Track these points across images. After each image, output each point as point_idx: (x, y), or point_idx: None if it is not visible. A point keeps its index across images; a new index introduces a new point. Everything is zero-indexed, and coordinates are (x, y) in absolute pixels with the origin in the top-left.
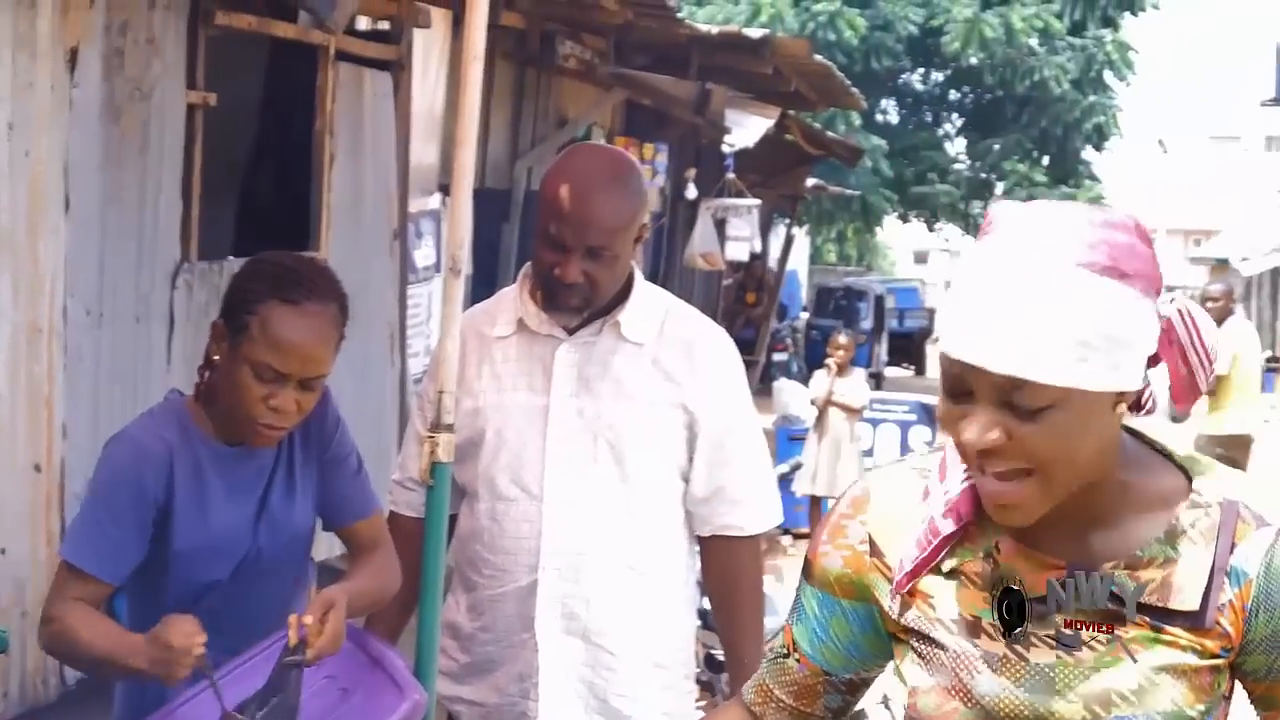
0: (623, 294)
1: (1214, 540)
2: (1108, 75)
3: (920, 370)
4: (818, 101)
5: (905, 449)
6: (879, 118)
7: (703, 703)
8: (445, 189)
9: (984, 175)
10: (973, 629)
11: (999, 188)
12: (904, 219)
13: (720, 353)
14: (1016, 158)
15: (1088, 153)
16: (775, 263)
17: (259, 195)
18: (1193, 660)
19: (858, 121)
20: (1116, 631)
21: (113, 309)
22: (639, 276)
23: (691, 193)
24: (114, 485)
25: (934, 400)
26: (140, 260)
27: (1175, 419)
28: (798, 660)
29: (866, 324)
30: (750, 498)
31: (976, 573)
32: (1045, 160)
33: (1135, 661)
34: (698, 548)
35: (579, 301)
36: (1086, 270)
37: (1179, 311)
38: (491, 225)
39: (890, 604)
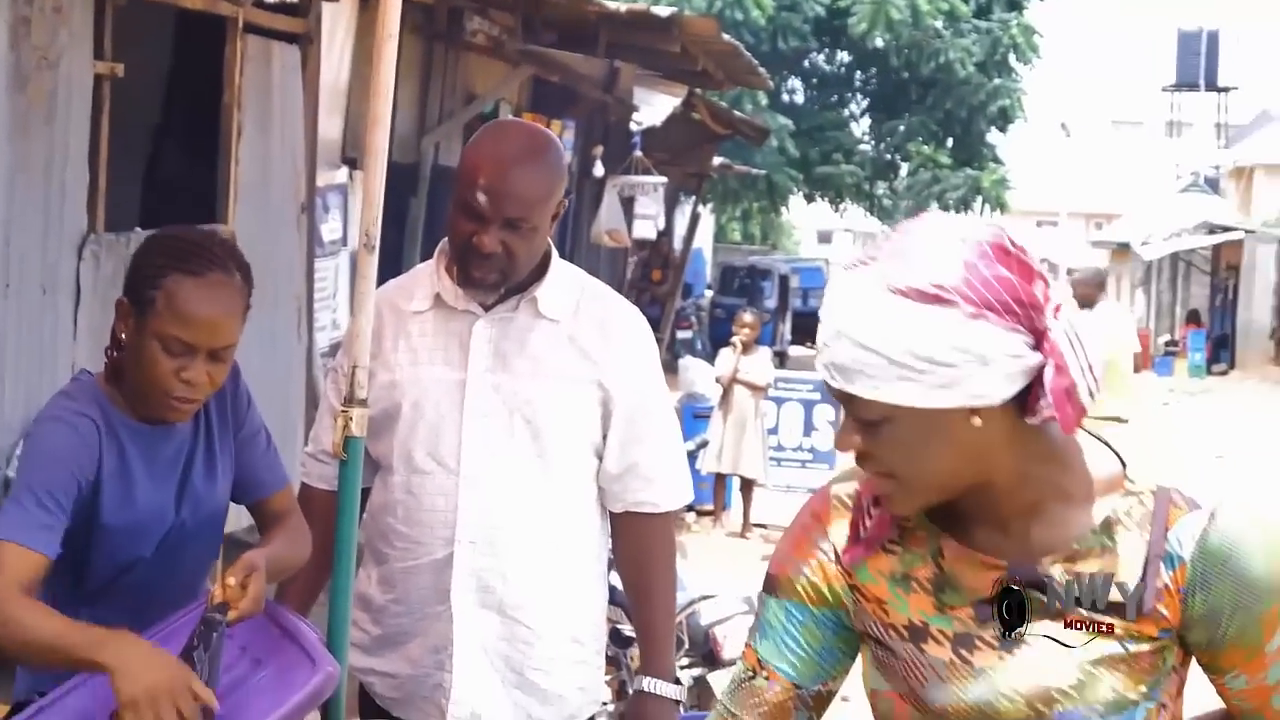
0: (539, 271)
1: (1149, 527)
2: (1012, 59)
3: None
4: (725, 81)
5: (809, 427)
6: (785, 97)
7: (608, 677)
8: (351, 163)
9: (889, 156)
10: (921, 635)
11: (903, 169)
12: (809, 199)
13: (635, 331)
14: (921, 139)
15: (992, 135)
16: (680, 241)
17: (166, 168)
18: (1131, 648)
19: (764, 101)
20: (1055, 629)
21: (19, 280)
22: (555, 254)
23: (599, 170)
24: (42, 464)
25: None
26: (47, 231)
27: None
28: (766, 678)
29: (771, 303)
30: (663, 475)
31: (926, 578)
32: (950, 142)
33: (1073, 657)
34: (609, 524)
35: (495, 275)
36: (899, 296)
37: (1063, 329)
38: (399, 200)
39: (849, 603)
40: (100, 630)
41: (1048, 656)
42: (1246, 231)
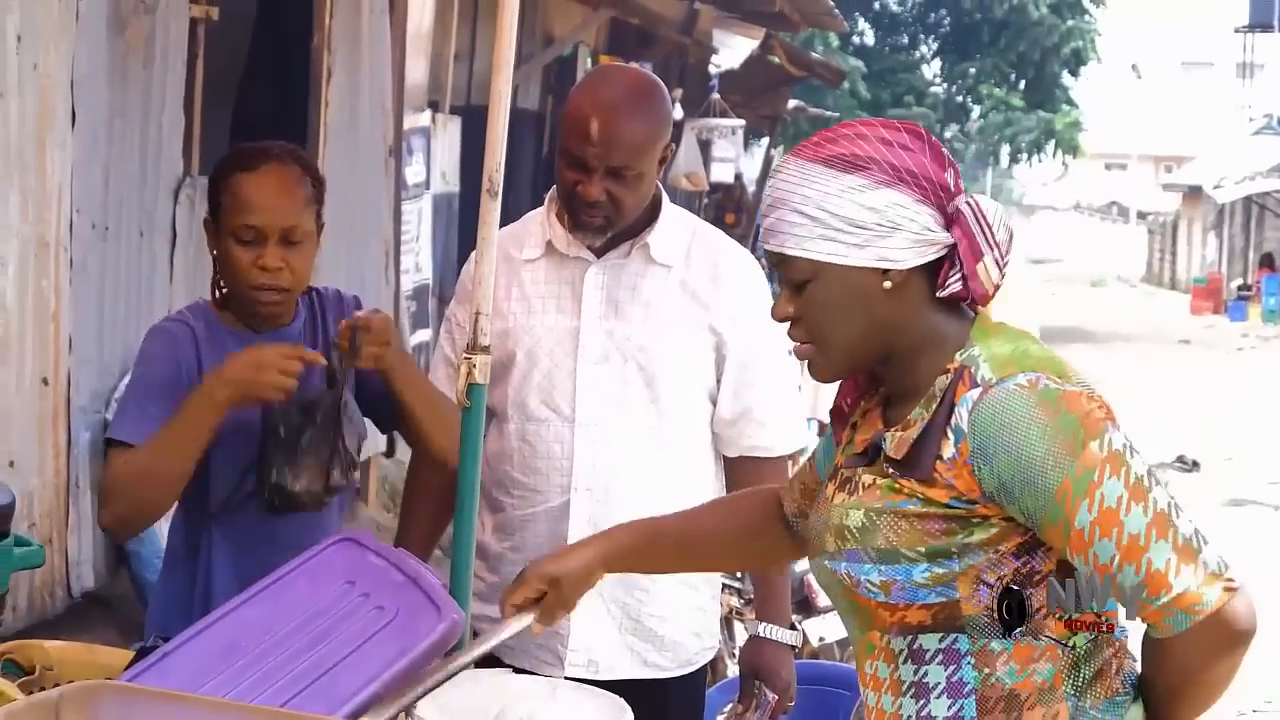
0: (650, 216)
1: (940, 400)
2: (1085, 0)
3: None
4: (800, 22)
5: None
6: (855, 39)
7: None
8: (434, 106)
9: (960, 98)
10: (832, 475)
11: (975, 111)
12: None
13: (747, 275)
14: (993, 81)
15: (1065, 78)
16: (754, 184)
17: (253, 111)
18: (912, 507)
19: (835, 43)
20: (874, 480)
21: (117, 223)
22: (666, 199)
23: (677, 113)
24: (149, 368)
25: None
26: (144, 175)
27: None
28: (809, 464)
29: None
30: (776, 419)
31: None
32: (1022, 84)
33: (863, 503)
34: (722, 469)
35: (601, 220)
36: (822, 164)
37: (969, 205)
38: (478, 144)
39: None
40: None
41: (853, 502)
42: None
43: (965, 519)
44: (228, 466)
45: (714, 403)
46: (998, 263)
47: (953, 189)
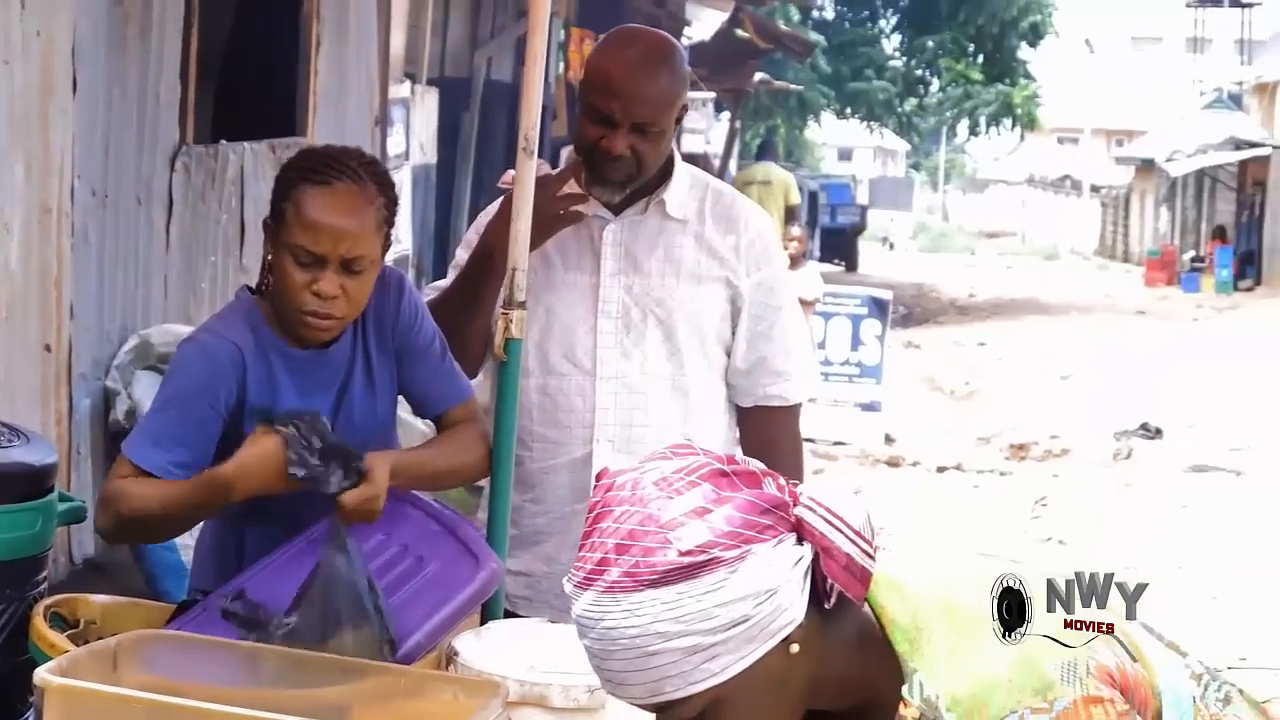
0: (664, 173)
1: None
2: None
3: (851, 266)
4: None
5: (856, 342)
6: (815, 13)
7: None
8: (412, 77)
9: (919, 72)
10: None
11: (934, 84)
12: (840, 115)
13: (761, 229)
14: (952, 55)
15: (1023, 51)
16: (719, 157)
17: (246, 80)
18: None
19: (796, 17)
20: None
21: (116, 191)
22: (679, 156)
23: None
24: (182, 390)
25: (885, 295)
26: (142, 143)
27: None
28: None
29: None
30: (791, 369)
31: None
32: (980, 58)
33: None
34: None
35: (623, 175)
36: (657, 586)
37: (807, 507)
38: (451, 114)
39: None
40: (205, 474)
41: None
42: (1274, 147)
43: None
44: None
45: (729, 354)
46: (866, 553)
47: (778, 494)
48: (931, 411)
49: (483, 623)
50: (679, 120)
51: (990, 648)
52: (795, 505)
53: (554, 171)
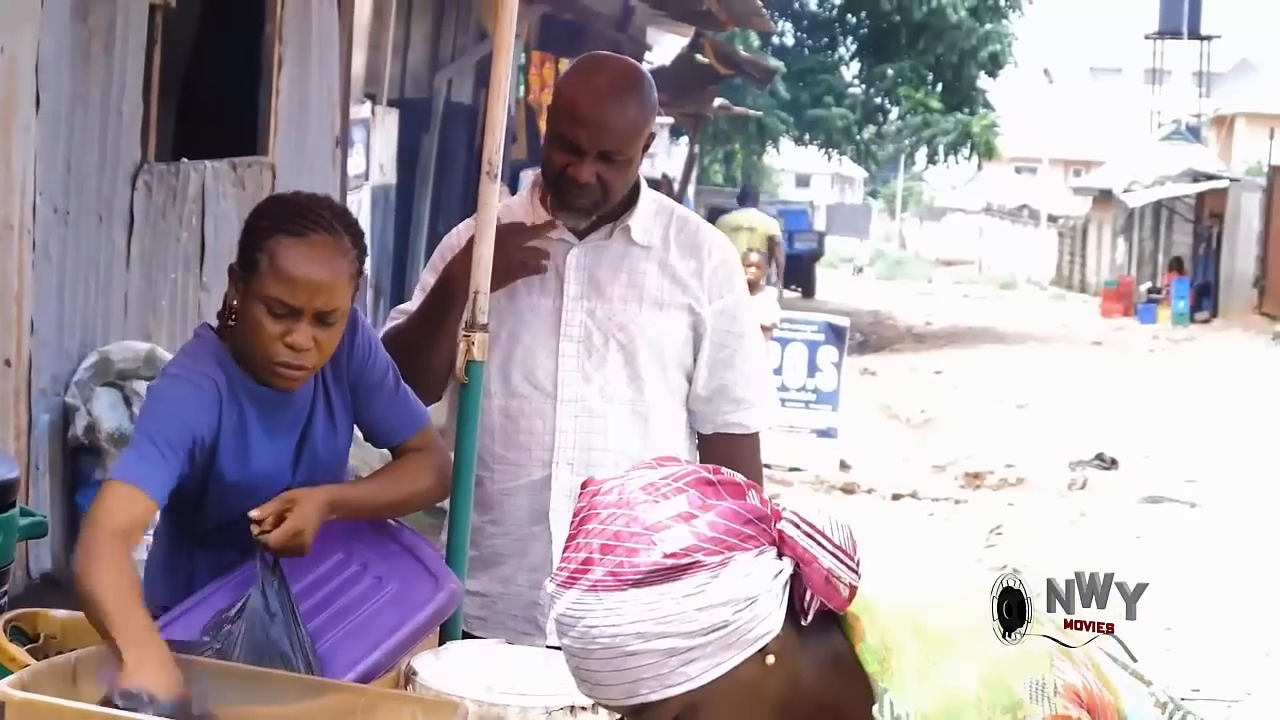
0: (630, 199)
1: None
2: (1002, 3)
3: (809, 293)
4: (727, 21)
5: (813, 368)
6: (775, 40)
7: None
8: (373, 98)
9: (879, 100)
10: None
11: (893, 112)
12: (799, 141)
13: (724, 257)
14: (912, 83)
15: (982, 80)
16: (678, 183)
17: (208, 99)
18: None
19: (756, 43)
20: None
21: (78, 208)
22: (644, 183)
23: None
24: (162, 417)
25: (842, 321)
26: (104, 160)
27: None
28: None
29: None
30: (751, 396)
31: None
32: (940, 87)
33: None
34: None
35: (589, 203)
36: (639, 587)
37: (790, 522)
38: (411, 136)
39: None
40: (142, 631)
41: None
42: (1231, 180)
43: None
44: (219, 518)
45: (690, 381)
46: (849, 567)
47: (768, 512)
48: (887, 439)
49: (441, 643)
50: (646, 148)
51: (959, 667)
52: (778, 520)
53: (530, 223)
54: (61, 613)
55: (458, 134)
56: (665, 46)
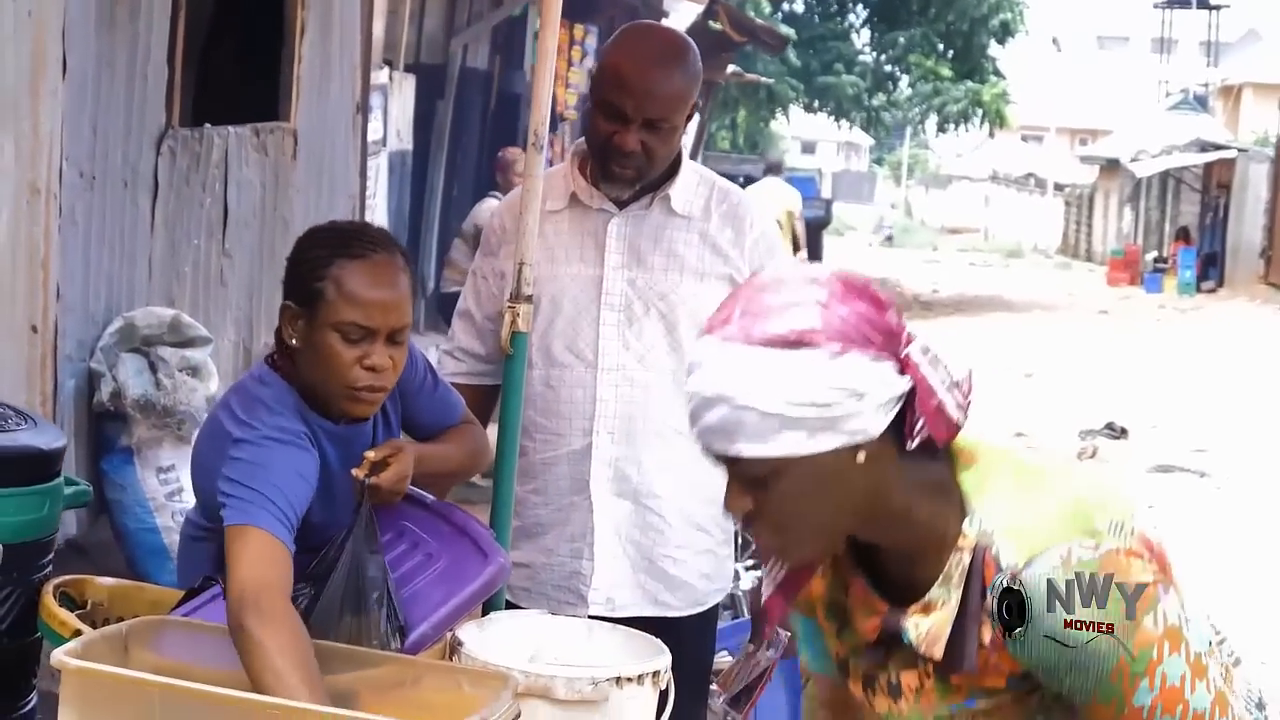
0: (671, 169)
1: (963, 584)
2: None
3: (817, 259)
4: None
5: None
6: (785, 6)
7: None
8: (390, 63)
9: (889, 68)
10: (844, 667)
11: (903, 81)
12: (809, 109)
13: (764, 228)
14: (922, 51)
15: (993, 49)
16: (689, 149)
17: (230, 65)
18: (980, 704)
19: (768, 9)
20: (921, 681)
21: (103, 173)
22: (685, 153)
23: None
24: (290, 481)
25: None
26: (129, 125)
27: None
28: (814, 683)
29: None
30: None
31: (838, 612)
32: (950, 55)
33: (925, 715)
34: None
35: (634, 171)
36: (764, 347)
37: (920, 348)
38: (427, 102)
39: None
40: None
41: (915, 709)
42: (1239, 150)
43: (1029, 693)
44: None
45: None
46: (959, 405)
47: (897, 330)
48: None
49: (484, 614)
50: (690, 117)
51: (1048, 499)
52: (908, 344)
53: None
54: (108, 580)
55: (473, 99)
56: (681, 14)
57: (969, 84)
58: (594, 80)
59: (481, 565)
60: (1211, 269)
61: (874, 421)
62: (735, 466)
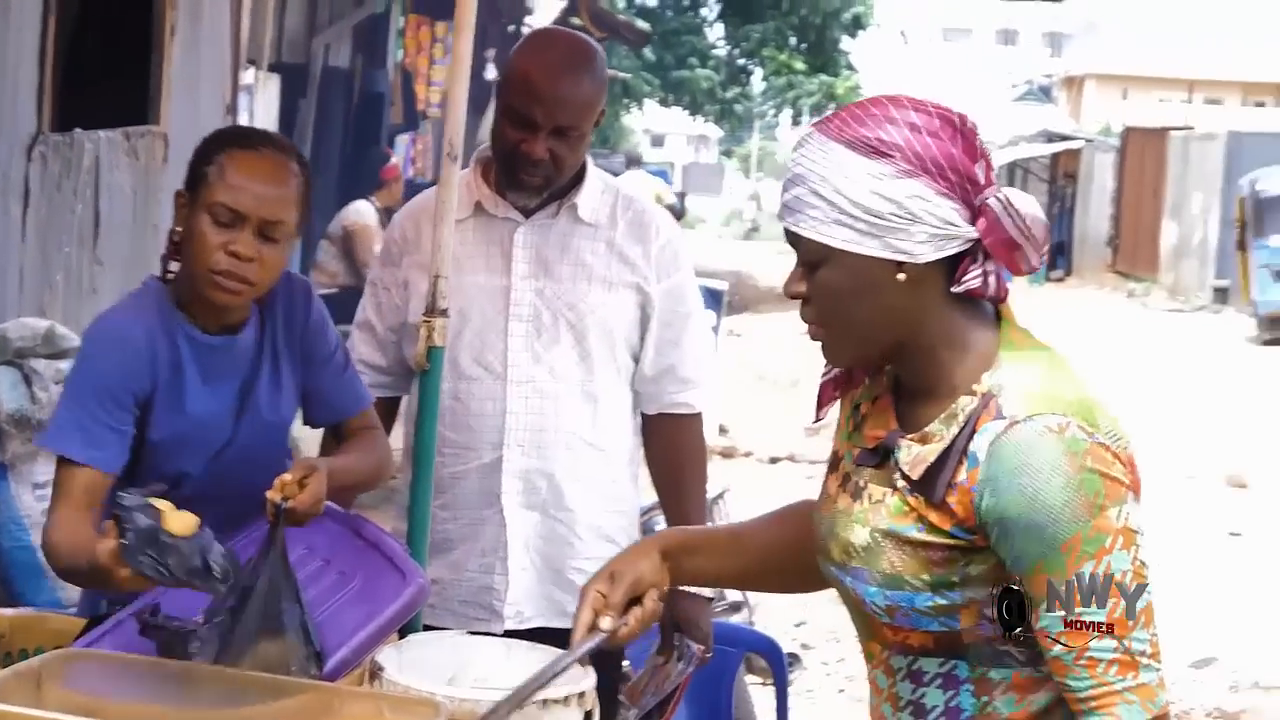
0: (577, 177)
1: (963, 424)
2: None
3: None
4: None
5: None
6: (639, 1)
7: None
8: (254, 63)
9: (743, 62)
10: (833, 464)
11: (757, 74)
12: (664, 103)
13: (671, 236)
14: (775, 45)
15: (845, 42)
16: None
17: (98, 67)
18: (915, 534)
19: (620, 4)
20: (884, 494)
21: None
22: (590, 161)
23: (490, 73)
24: (96, 374)
25: (720, 285)
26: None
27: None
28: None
29: None
30: (698, 376)
31: (858, 414)
32: (804, 48)
33: (869, 523)
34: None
35: (541, 180)
36: (844, 145)
37: (999, 199)
38: (288, 101)
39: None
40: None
41: (859, 516)
42: (1086, 140)
43: (965, 549)
44: (152, 480)
45: (636, 360)
46: (1037, 253)
47: (981, 181)
48: (759, 402)
49: (401, 635)
50: (597, 124)
51: (1070, 386)
52: (986, 191)
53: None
54: (9, 611)
55: (335, 98)
56: (544, 9)
57: (822, 77)
58: (500, 87)
59: (400, 585)
60: (1060, 258)
61: (921, 248)
62: (798, 246)
